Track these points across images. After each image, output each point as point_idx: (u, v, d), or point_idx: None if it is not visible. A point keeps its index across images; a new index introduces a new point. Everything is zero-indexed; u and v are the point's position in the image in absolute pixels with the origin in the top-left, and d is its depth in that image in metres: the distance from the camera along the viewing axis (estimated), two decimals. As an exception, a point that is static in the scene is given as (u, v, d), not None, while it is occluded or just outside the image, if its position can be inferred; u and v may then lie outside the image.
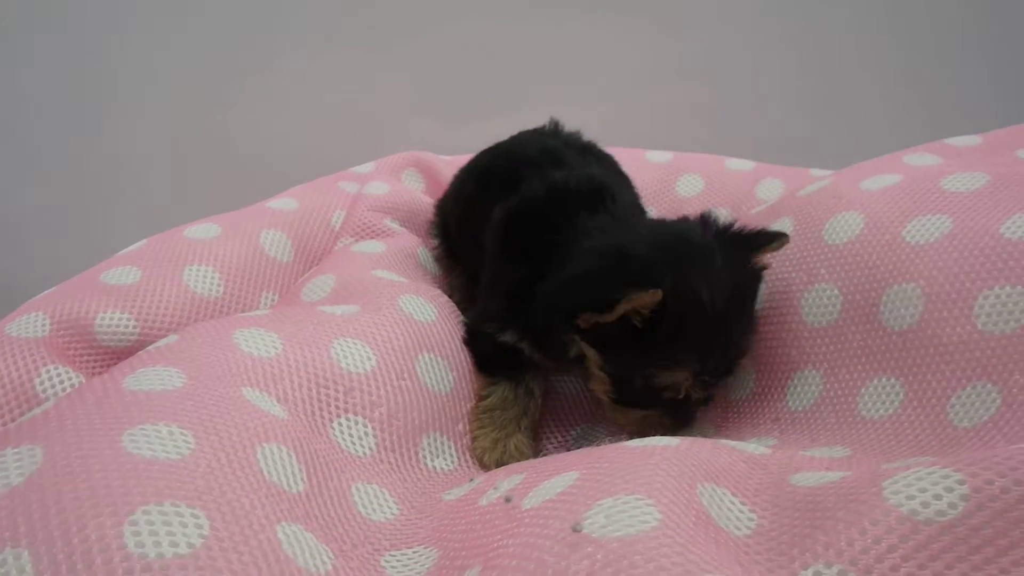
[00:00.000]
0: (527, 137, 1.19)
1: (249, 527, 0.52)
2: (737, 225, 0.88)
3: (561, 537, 0.47)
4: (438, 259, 1.23)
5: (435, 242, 1.24)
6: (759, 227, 0.89)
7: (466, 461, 0.85)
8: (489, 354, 0.93)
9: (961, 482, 0.47)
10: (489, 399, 0.89)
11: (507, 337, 0.91)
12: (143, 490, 0.51)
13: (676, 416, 0.86)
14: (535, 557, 0.47)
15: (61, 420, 0.58)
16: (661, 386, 0.82)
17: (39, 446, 0.55)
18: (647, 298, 0.75)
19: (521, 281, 0.89)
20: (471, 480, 0.79)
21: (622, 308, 0.76)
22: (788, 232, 0.95)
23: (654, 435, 0.69)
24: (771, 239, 0.87)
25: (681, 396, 0.83)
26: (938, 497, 0.47)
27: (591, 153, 1.15)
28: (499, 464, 0.82)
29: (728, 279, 0.81)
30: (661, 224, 0.94)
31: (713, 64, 1.82)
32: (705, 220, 0.88)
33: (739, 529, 0.52)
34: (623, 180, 1.13)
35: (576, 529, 0.47)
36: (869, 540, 0.46)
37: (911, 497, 0.48)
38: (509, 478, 0.66)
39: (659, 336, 0.78)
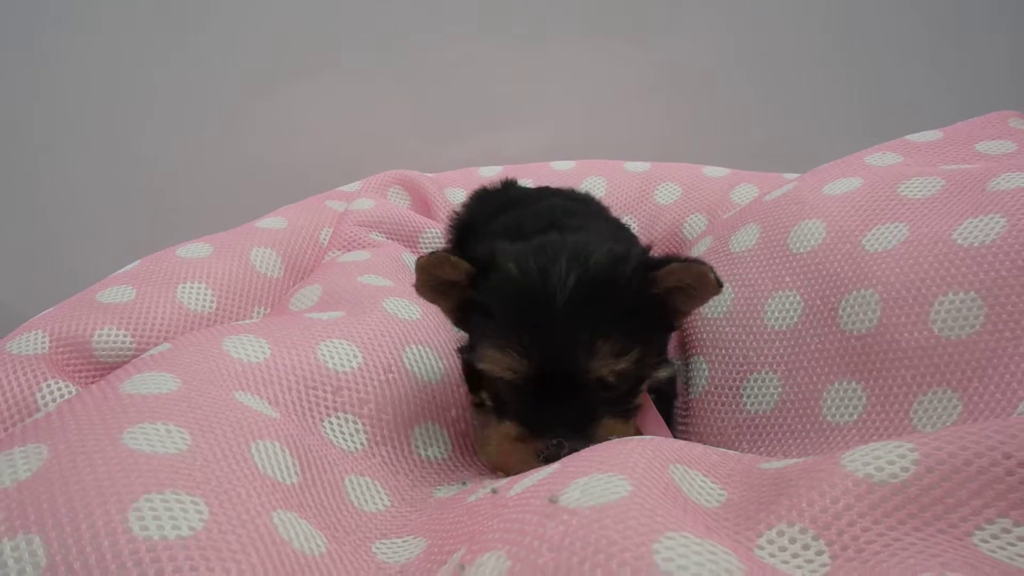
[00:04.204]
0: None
1: (246, 513, 0.55)
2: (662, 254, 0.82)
3: (539, 509, 0.50)
4: None
5: None
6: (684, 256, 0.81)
7: (459, 448, 0.87)
8: (475, 379, 0.91)
9: (913, 450, 0.51)
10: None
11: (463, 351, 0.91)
12: (144, 481, 0.54)
13: (528, 428, 0.76)
14: (516, 529, 0.50)
15: (63, 421, 0.61)
16: (487, 372, 0.78)
17: (44, 444, 0.58)
18: (441, 263, 0.77)
19: None
20: (463, 483, 0.82)
21: (422, 271, 0.78)
22: (755, 239, 0.98)
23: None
24: (670, 261, 0.78)
25: (508, 384, 0.77)
26: (891, 463, 0.50)
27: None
28: None
29: (590, 281, 0.75)
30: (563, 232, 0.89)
31: (686, 78, 1.87)
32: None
33: (709, 502, 0.55)
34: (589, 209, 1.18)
35: (552, 501, 0.50)
36: (827, 500, 0.49)
37: (867, 463, 0.51)
38: (497, 479, 0.69)
39: (479, 312, 0.77)
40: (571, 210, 1.09)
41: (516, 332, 0.75)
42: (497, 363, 0.76)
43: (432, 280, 0.80)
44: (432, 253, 0.78)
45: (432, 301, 0.83)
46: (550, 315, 0.74)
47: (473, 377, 0.90)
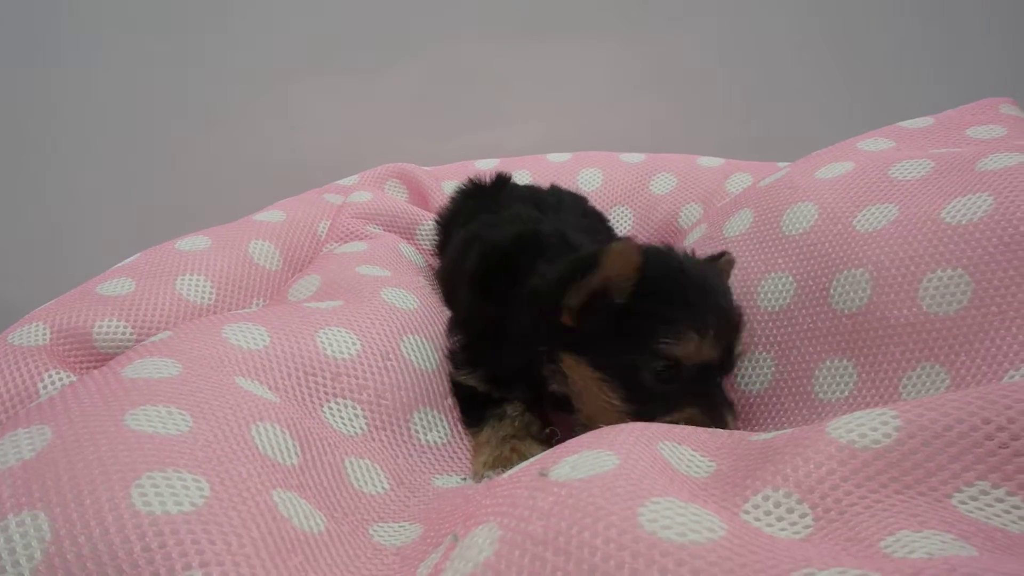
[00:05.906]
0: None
1: (247, 490, 0.57)
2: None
3: (529, 484, 0.51)
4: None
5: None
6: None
7: (458, 434, 0.89)
8: (467, 401, 0.92)
9: (895, 416, 0.52)
10: (480, 435, 0.89)
11: (473, 382, 0.91)
12: (146, 459, 0.55)
13: (707, 408, 0.79)
14: (507, 502, 0.51)
15: (66, 404, 0.63)
16: (671, 356, 0.78)
17: (48, 425, 0.59)
18: (628, 253, 0.77)
19: (491, 322, 0.90)
20: (463, 479, 0.83)
21: (606, 265, 0.77)
22: (749, 223, 1.00)
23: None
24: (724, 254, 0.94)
25: (696, 366, 0.79)
26: (874, 429, 0.52)
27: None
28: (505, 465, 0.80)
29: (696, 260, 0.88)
30: None
31: (680, 73, 1.88)
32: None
33: (697, 473, 0.57)
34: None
35: (543, 474, 0.52)
36: (812, 466, 0.51)
37: (850, 431, 0.52)
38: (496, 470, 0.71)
39: (647, 305, 0.79)
40: (536, 218, 1.09)
41: (709, 318, 0.80)
42: (696, 347, 0.79)
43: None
44: (628, 240, 0.79)
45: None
46: (724, 303, 0.85)
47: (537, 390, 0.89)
